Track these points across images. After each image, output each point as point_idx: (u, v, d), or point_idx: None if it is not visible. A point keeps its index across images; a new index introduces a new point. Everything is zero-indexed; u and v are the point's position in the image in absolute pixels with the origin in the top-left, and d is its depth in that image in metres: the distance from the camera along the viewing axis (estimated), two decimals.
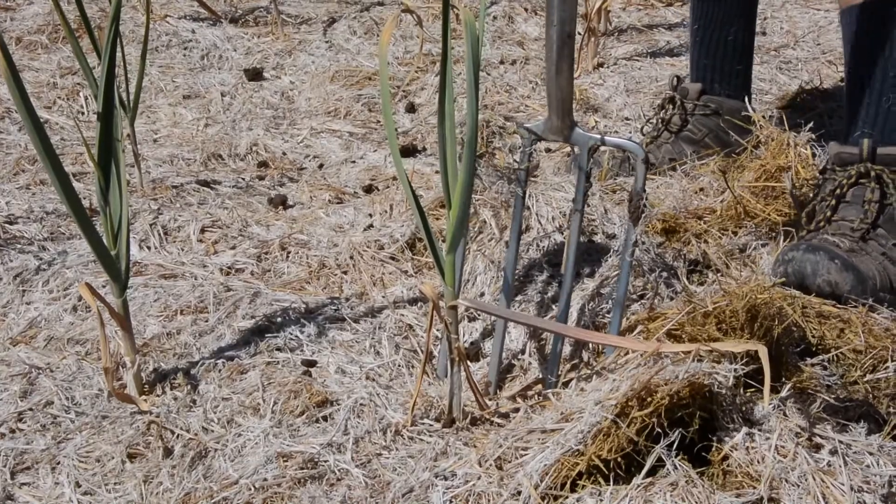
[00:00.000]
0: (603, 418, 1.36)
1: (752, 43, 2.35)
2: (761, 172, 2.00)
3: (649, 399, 1.36)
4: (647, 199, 1.60)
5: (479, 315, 1.77)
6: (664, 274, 1.80)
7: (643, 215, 1.60)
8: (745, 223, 1.97)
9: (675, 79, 2.35)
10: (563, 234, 1.91)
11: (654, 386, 1.37)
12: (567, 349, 1.67)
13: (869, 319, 1.62)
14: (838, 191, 1.82)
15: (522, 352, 1.70)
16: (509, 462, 1.41)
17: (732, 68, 2.30)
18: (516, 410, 1.56)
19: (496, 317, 1.67)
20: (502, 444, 1.42)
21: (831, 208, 1.82)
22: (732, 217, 1.98)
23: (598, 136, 1.61)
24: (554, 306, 1.77)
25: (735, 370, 1.40)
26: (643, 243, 1.89)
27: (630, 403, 1.36)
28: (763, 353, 1.37)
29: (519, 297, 1.79)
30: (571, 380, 1.58)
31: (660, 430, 1.35)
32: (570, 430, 1.38)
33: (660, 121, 2.33)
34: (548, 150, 2.39)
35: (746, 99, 2.31)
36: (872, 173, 1.80)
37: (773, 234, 1.94)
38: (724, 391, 1.39)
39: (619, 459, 1.35)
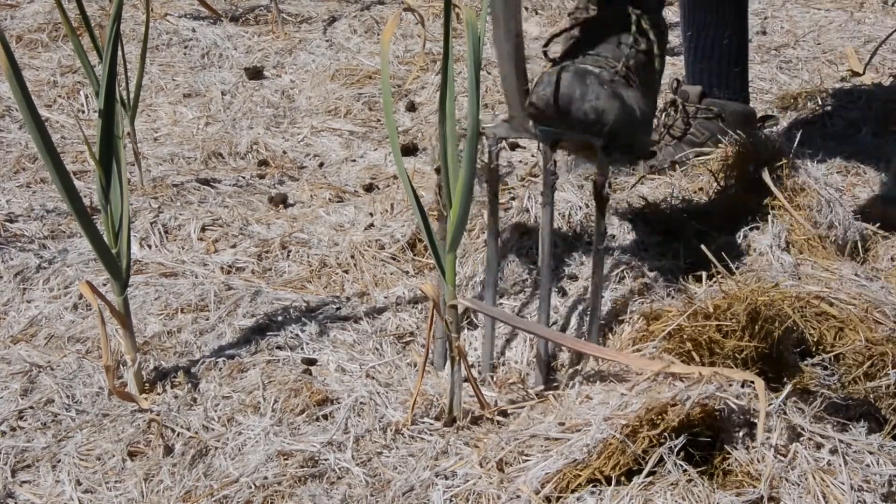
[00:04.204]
0: (611, 436, 1.36)
1: (747, 45, 2.34)
2: (742, 168, 1.99)
3: (659, 420, 1.36)
4: (610, 189, 1.60)
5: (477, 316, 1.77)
6: (664, 274, 1.80)
7: (607, 205, 1.60)
8: (742, 220, 1.97)
9: (675, 82, 2.35)
10: (562, 235, 1.91)
11: (665, 407, 1.37)
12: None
13: (868, 316, 1.61)
14: (594, 26, 1.72)
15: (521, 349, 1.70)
16: (510, 465, 1.41)
17: (730, 71, 2.30)
18: (519, 409, 1.56)
19: (496, 320, 1.67)
20: (504, 447, 1.42)
21: (578, 43, 1.71)
22: (731, 216, 1.98)
23: (558, 130, 1.61)
24: (552, 309, 1.77)
25: (746, 394, 1.39)
26: (642, 242, 1.90)
27: (641, 424, 1.36)
28: (760, 385, 1.37)
29: (516, 298, 1.79)
30: (573, 378, 1.58)
31: (664, 439, 1.36)
32: (575, 441, 1.37)
33: (661, 125, 2.33)
34: None
35: (745, 100, 2.32)
36: (633, 17, 1.71)
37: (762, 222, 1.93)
38: (734, 416, 1.38)
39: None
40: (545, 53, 1.73)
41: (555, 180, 1.62)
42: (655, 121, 2.35)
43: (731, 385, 1.40)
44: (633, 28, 1.70)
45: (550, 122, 1.60)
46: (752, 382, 1.39)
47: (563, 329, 1.72)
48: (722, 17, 2.28)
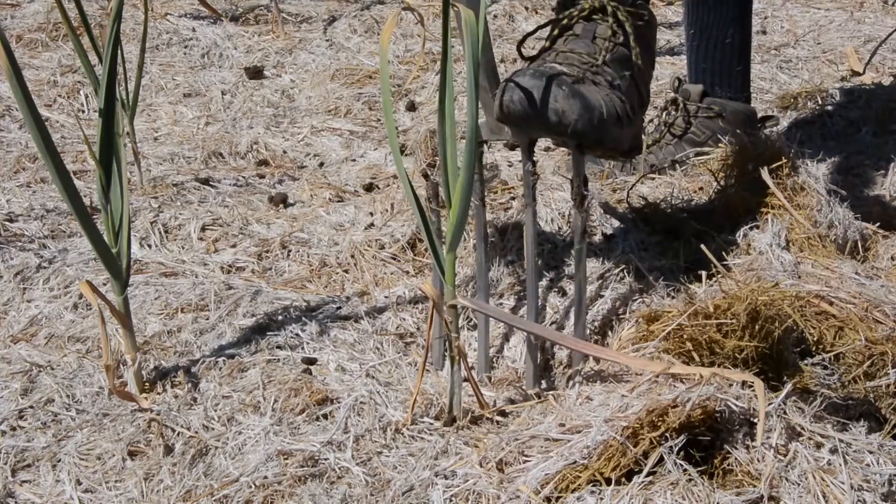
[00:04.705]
0: (611, 437, 1.35)
1: (749, 44, 2.34)
2: (743, 168, 1.99)
3: (659, 422, 1.36)
4: (585, 185, 1.59)
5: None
6: (664, 274, 1.80)
7: (586, 202, 1.60)
8: (742, 219, 1.97)
9: (677, 80, 2.35)
10: (562, 235, 1.91)
11: (666, 409, 1.37)
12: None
13: (868, 315, 1.61)
14: (565, 21, 1.71)
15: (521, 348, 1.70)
16: (510, 465, 1.41)
17: (732, 70, 2.30)
18: (519, 409, 1.56)
19: (491, 320, 1.67)
20: (504, 447, 1.42)
21: (552, 40, 1.71)
22: (731, 215, 1.98)
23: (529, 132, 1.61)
24: (550, 310, 1.77)
25: (746, 395, 1.39)
26: (642, 242, 1.90)
27: (642, 426, 1.36)
28: (759, 387, 1.36)
29: (516, 298, 1.79)
30: (573, 377, 1.58)
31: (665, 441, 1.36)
32: (575, 443, 1.37)
33: (662, 123, 2.33)
34: (547, 150, 2.39)
35: (746, 99, 2.32)
36: (609, 9, 1.70)
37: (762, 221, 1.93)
38: (734, 416, 1.38)
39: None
40: (520, 53, 1.73)
41: (535, 180, 1.62)
42: (656, 119, 2.36)
43: (731, 386, 1.40)
44: (611, 20, 1.69)
45: (518, 126, 1.60)
46: (752, 384, 1.40)
47: (563, 328, 1.72)
48: (724, 17, 2.28)
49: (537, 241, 1.67)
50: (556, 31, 1.71)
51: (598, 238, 1.90)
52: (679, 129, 2.30)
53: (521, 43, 1.74)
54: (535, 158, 1.61)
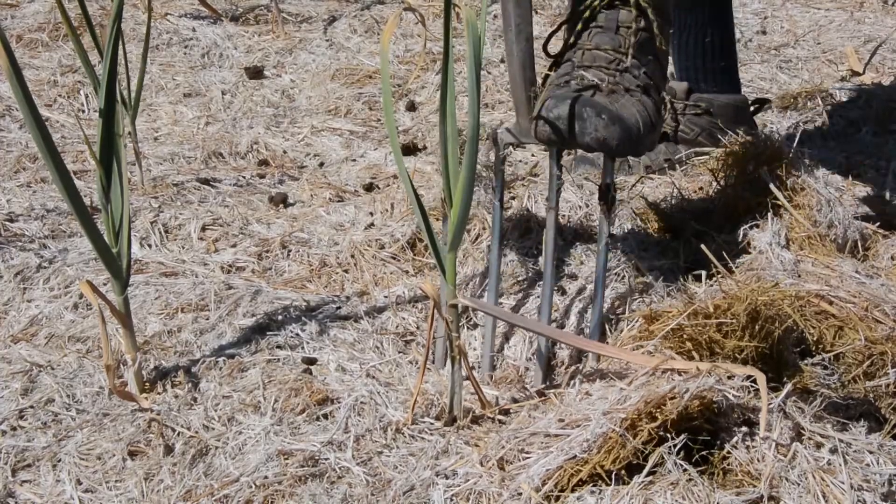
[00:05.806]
0: (610, 430, 1.36)
1: (733, 41, 2.33)
2: (742, 167, 1.99)
3: (657, 413, 1.36)
4: (615, 192, 1.60)
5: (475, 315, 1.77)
6: (664, 274, 1.80)
7: (614, 208, 1.60)
8: (742, 219, 1.97)
9: None
10: (563, 234, 1.91)
11: (663, 399, 1.37)
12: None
13: (868, 315, 1.61)
14: (587, 13, 1.68)
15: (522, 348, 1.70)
16: (511, 463, 1.41)
17: (716, 67, 2.29)
18: (520, 408, 1.56)
19: (497, 319, 1.67)
20: (504, 445, 1.42)
21: (576, 34, 1.68)
22: (730, 215, 1.98)
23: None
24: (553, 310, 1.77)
25: (745, 387, 1.39)
26: (642, 242, 1.90)
27: (640, 418, 1.36)
28: (761, 380, 1.36)
29: (516, 298, 1.79)
30: (574, 377, 1.58)
31: (664, 432, 1.36)
32: (575, 437, 1.37)
33: None
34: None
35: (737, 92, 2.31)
36: None
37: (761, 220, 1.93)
38: (733, 414, 1.39)
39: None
40: (546, 51, 1.72)
41: (560, 185, 1.62)
42: None
43: (729, 378, 1.40)
44: (633, 10, 1.68)
45: (556, 147, 1.62)
46: (754, 379, 1.40)
47: (563, 327, 1.72)
48: (701, 18, 2.28)
49: (551, 242, 1.66)
50: (578, 25, 1.69)
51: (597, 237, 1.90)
52: (668, 128, 2.30)
53: (546, 43, 1.73)
54: (563, 164, 1.62)
